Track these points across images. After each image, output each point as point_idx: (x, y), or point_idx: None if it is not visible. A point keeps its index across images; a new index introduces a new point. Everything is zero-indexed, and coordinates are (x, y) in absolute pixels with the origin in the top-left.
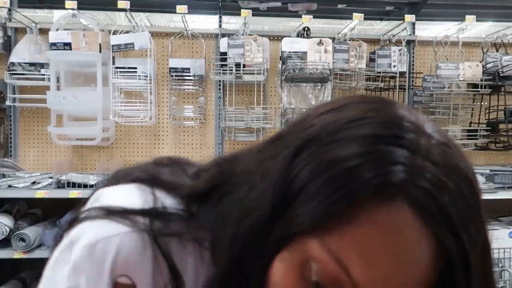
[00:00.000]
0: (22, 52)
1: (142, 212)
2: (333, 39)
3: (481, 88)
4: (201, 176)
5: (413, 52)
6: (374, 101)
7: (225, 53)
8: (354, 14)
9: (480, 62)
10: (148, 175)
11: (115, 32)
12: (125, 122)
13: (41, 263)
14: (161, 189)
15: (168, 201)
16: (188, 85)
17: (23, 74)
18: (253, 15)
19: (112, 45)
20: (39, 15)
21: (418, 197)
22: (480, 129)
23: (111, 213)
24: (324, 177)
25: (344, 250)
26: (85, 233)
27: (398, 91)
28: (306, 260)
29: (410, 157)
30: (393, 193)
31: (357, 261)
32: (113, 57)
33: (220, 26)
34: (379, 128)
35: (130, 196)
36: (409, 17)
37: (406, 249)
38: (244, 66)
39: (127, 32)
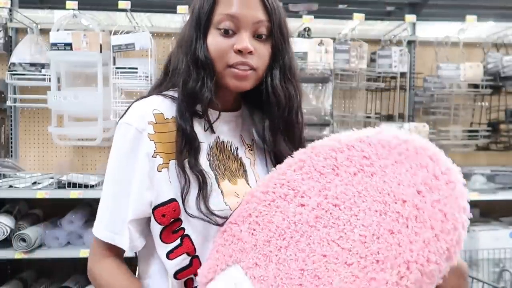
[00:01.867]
0: (22, 53)
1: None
2: (334, 39)
3: (482, 88)
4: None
5: (414, 53)
6: None
7: None
8: (355, 15)
9: (481, 62)
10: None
11: (115, 33)
12: None
13: (42, 263)
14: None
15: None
16: None
17: (24, 74)
18: None
19: (113, 46)
20: (40, 15)
21: None
22: (481, 130)
23: (138, 99)
24: None
25: (224, 8)
26: (135, 105)
27: (399, 92)
28: (217, 27)
29: None
30: None
31: (230, 8)
32: (114, 58)
33: None
34: None
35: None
36: (410, 18)
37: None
38: None
39: (127, 32)
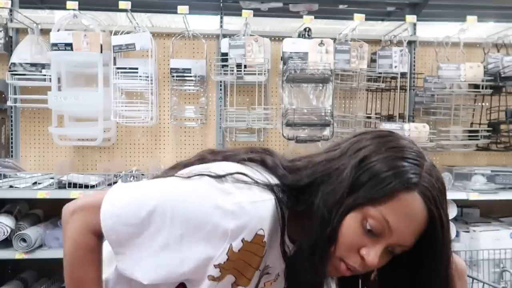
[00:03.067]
0: (23, 53)
1: (275, 186)
2: (334, 39)
3: (482, 88)
4: (298, 173)
5: (414, 53)
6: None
7: (226, 54)
8: (356, 15)
9: (481, 62)
10: (257, 157)
11: (116, 33)
12: (126, 122)
13: (42, 263)
14: (265, 170)
15: (273, 181)
16: (189, 86)
17: (24, 74)
18: (254, 15)
19: (113, 46)
20: (40, 15)
21: (424, 191)
22: (481, 130)
23: (255, 182)
24: (380, 177)
25: (387, 212)
26: (243, 191)
27: (399, 92)
28: (365, 217)
29: (419, 170)
30: (413, 188)
31: (393, 218)
32: (114, 58)
33: (221, 26)
34: (405, 153)
35: (247, 170)
36: (411, 18)
37: (416, 215)
38: (245, 66)
39: (128, 32)
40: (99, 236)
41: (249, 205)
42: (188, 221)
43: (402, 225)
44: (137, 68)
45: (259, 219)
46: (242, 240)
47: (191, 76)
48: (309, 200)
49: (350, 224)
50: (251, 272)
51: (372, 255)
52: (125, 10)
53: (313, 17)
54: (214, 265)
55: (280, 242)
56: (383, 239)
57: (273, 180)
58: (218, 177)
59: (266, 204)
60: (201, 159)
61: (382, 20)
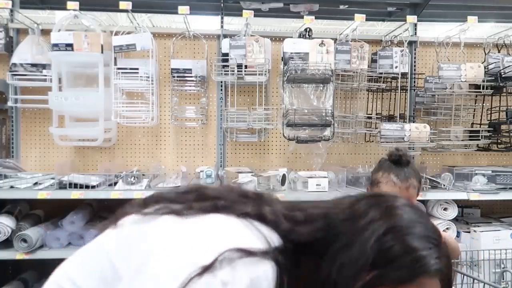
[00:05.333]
0: (24, 53)
1: (271, 251)
2: (335, 40)
3: (483, 89)
4: (301, 227)
5: (415, 53)
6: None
7: (227, 54)
8: (356, 15)
9: (482, 63)
10: (255, 211)
11: (117, 33)
12: (127, 123)
13: (43, 263)
14: (265, 226)
15: (274, 239)
16: (189, 86)
17: (25, 75)
18: (255, 16)
19: (114, 46)
20: (41, 16)
21: (443, 277)
22: (482, 130)
23: (250, 253)
24: (402, 260)
25: None
26: (239, 273)
27: (400, 92)
28: None
29: (439, 254)
30: (434, 274)
31: None
32: (115, 58)
33: (222, 27)
34: (429, 232)
35: (244, 233)
36: (411, 18)
37: None
38: (246, 67)
39: (129, 33)
40: None
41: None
42: None
43: None
44: (137, 69)
45: None
46: None
47: (191, 77)
48: (316, 264)
49: None
50: None
51: None
52: (125, 11)
53: (313, 17)
54: None
55: None
56: None
57: (274, 238)
58: (209, 269)
59: (266, 275)
60: (189, 207)
61: (383, 20)
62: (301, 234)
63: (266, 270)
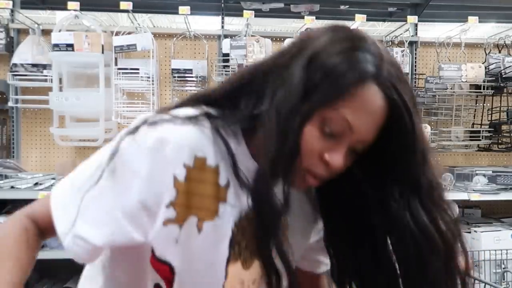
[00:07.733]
0: (24, 53)
1: (199, 115)
2: None
3: (483, 89)
4: (227, 84)
5: (415, 53)
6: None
7: (227, 54)
8: (357, 15)
9: (483, 63)
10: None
11: (117, 33)
12: (127, 123)
13: (44, 264)
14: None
15: (211, 109)
16: (190, 86)
17: (26, 75)
18: (255, 16)
19: (115, 46)
20: (42, 16)
21: (382, 81)
22: (483, 130)
23: (176, 117)
24: (333, 73)
25: (346, 110)
26: (152, 133)
27: None
28: (323, 121)
29: (377, 61)
30: (370, 80)
31: (353, 117)
32: (116, 58)
33: (222, 27)
34: (359, 43)
35: (184, 109)
36: (412, 18)
37: (376, 108)
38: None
39: (129, 33)
40: (39, 228)
41: (174, 130)
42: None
43: (363, 122)
44: (138, 69)
45: (192, 141)
46: (184, 166)
47: (192, 77)
48: (257, 113)
49: (309, 131)
50: (212, 204)
51: (336, 158)
52: (126, 11)
53: (314, 17)
54: (166, 205)
55: (231, 163)
56: (345, 139)
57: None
58: (132, 131)
59: (200, 130)
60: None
61: (384, 20)
62: (224, 88)
63: (186, 132)
